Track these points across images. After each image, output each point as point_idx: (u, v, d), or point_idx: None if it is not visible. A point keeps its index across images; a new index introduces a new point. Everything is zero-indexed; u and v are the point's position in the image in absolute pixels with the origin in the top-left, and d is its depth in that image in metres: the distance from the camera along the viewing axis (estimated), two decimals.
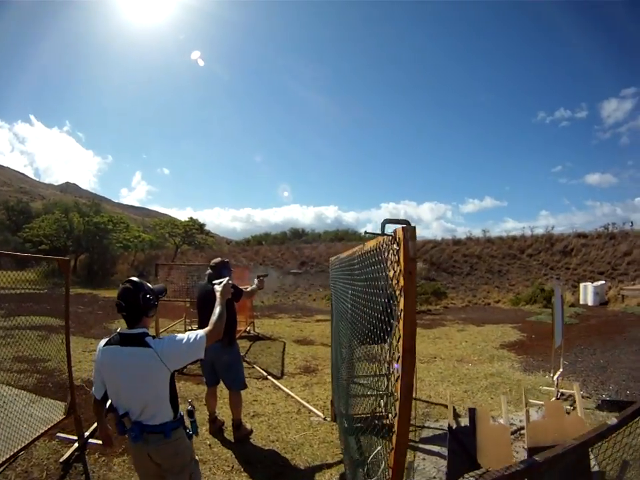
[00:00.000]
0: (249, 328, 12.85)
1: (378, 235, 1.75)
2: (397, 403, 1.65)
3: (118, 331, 2.61)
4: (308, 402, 6.39)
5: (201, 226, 40.04)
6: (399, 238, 1.61)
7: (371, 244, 2.28)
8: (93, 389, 2.73)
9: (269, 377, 7.73)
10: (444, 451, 4.81)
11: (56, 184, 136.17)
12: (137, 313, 2.59)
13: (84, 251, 36.72)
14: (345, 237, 39.42)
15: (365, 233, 1.83)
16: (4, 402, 5.04)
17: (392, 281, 1.74)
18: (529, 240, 27.97)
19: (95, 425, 5.29)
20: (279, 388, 7.09)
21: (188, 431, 2.75)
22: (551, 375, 6.89)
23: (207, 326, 2.68)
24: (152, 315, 2.70)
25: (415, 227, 1.56)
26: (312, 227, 62.77)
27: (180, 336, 2.58)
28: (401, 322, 1.61)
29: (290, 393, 6.80)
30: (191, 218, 40.05)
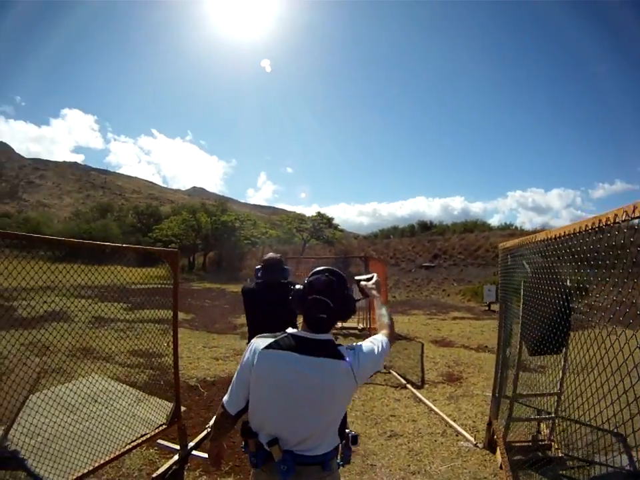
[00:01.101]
0: None
1: None
2: None
3: (289, 332, 1.95)
4: (455, 420, 5.32)
5: (329, 220, 39.91)
6: None
7: None
8: (226, 399, 1.99)
9: (408, 385, 6.75)
10: None
11: (184, 189, 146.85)
12: (341, 315, 1.97)
13: (212, 248, 38.86)
14: (474, 227, 37.14)
15: None
16: (109, 398, 4.65)
17: None
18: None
19: (202, 435, 4.69)
20: (420, 400, 6.08)
21: (338, 461, 2.09)
22: None
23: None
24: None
25: None
26: (439, 219, 60.50)
27: (368, 344, 2.00)
28: None
29: (433, 407, 5.76)
30: (319, 212, 40.18)
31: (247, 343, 4.16)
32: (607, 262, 2.17)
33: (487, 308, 17.70)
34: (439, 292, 24.76)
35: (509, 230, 32.56)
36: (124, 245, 4.28)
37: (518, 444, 4.51)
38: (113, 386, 5.14)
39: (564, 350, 4.07)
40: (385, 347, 2.00)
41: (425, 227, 41.86)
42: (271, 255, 4.23)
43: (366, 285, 2.41)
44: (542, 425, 4.81)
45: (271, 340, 1.90)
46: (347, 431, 2.09)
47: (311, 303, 1.89)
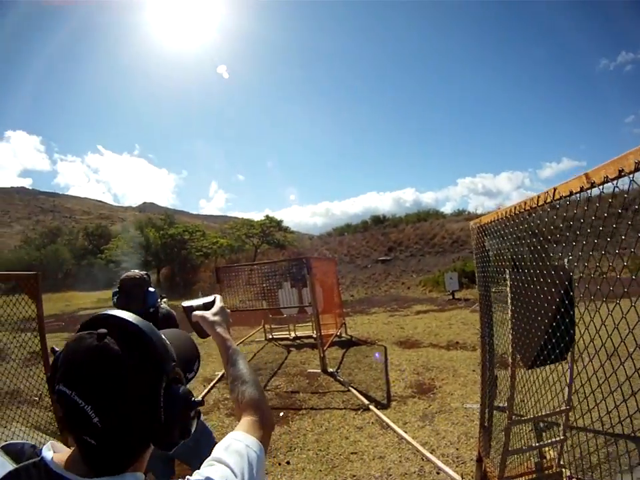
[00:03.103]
0: (339, 331, 10.83)
1: None
2: None
3: (45, 455, 0.85)
4: (433, 450, 4.20)
5: (278, 223, 39.16)
6: None
7: None
8: None
9: (371, 406, 5.56)
10: None
11: (134, 205, 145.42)
12: (136, 441, 0.86)
13: (164, 264, 37.92)
14: (427, 217, 36.80)
15: None
16: None
17: None
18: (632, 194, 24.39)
19: None
20: (387, 425, 4.91)
21: None
22: None
23: None
24: None
25: None
26: (392, 212, 60.93)
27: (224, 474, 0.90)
28: None
29: (404, 435, 4.59)
30: (267, 216, 39.37)
31: None
32: None
33: (450, 297, 16.84)
34: (399, 285, 23.83)
35: (462, 215, 32.28)
36: None
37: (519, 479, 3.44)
38: (33, 437, 4.09)
39: (569, 354, 3.08)
40: (259, 465, 0.97)
41: (379, 221, 41.36)
42: (128, 273, 3.08)
43: (203, 317, 1.37)
44: (552, 451, 3.76)
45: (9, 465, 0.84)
46: None
47: (59, 403, 0.82)
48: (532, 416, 3.39)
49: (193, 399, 0.91)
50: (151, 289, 3.06)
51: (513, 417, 3.15)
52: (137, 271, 3.14)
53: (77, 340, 0.84)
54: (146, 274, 3.16)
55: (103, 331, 0.83)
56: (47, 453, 0.85)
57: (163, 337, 0.93)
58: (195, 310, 1.41)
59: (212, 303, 1.44)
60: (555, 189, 1.97)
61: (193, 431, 0.92)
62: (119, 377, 0.80)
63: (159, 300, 3.24)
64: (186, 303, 1.45)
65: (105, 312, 0.91)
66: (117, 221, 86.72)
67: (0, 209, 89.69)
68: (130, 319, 0.89)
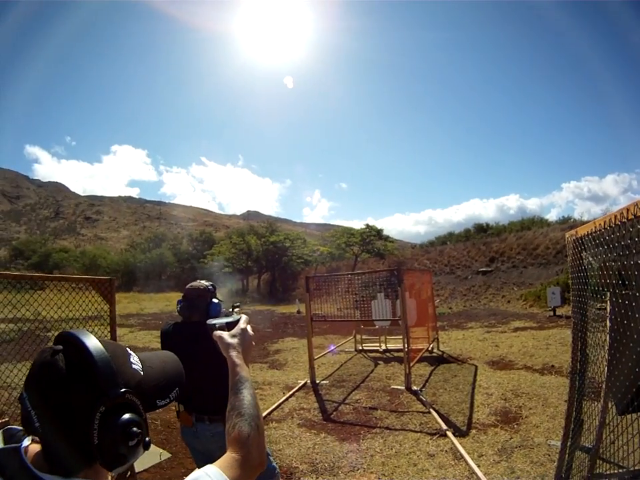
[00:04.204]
0: (431, 346, 10.51)
1: None
2: None
3: (24, 444, 0.94)
4: None
5: (379, 231, 38.98)
6: None
7: None
8: None
9: (448, 432, 5.23)
10: None
11: (239, 213, 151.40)
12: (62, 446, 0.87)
13: (266, 270, 39.23)
14: (531, 225, 34.91)
15: None
16: None
17: None
18: None
19: None
20: (461, 456, 4.57)
21: None
22: None
23: None
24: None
25: None
26: (495, 220, 58.59)
27: None
28: None
29: (476, 470, 4.21)
30: (367, 224, 39.53)
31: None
32: None
33: (551, 313, 15.82)
34: (499, 299, 22.76)
35: (568, 223, 30.25)
36: (51, 275, 4.04)
37: None
38: None
39: None
40: None
41: (482, 230, 39.97)
42: (193, 283, 3.07)
43: (221, 337, 1.29)
44: None
45: None
46: None
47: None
48: (621, 465, 3.00)
49: (134, 429, 0.89)
50: (215, 300, 3.03)
51: (598, 461, 2.81)
52: (202, 281, 3.14)
53: (41, 352, 0.91)
54: (212, 285, 3.16)
55: (58, 347, 0.89)
56: (24, 442, 0.93)
57: (120, 363, 0.93)
58: (217, 329, 1.35)
59: (235, 323, 1.37)
60: None
61: (132, 460, 0.90)
62: (57, 393, 0.85)
63: (231, 310, 3.28)
64: (210, 321, 1.41)
65: (71, 330, 0.94)
66: (221, 228, 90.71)
67: (108, 216, 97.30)
68: (84, 341, 0.90)
